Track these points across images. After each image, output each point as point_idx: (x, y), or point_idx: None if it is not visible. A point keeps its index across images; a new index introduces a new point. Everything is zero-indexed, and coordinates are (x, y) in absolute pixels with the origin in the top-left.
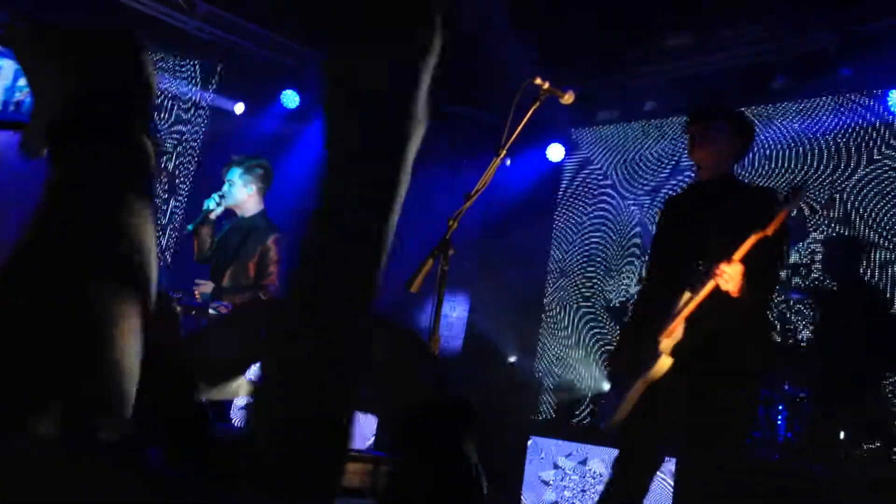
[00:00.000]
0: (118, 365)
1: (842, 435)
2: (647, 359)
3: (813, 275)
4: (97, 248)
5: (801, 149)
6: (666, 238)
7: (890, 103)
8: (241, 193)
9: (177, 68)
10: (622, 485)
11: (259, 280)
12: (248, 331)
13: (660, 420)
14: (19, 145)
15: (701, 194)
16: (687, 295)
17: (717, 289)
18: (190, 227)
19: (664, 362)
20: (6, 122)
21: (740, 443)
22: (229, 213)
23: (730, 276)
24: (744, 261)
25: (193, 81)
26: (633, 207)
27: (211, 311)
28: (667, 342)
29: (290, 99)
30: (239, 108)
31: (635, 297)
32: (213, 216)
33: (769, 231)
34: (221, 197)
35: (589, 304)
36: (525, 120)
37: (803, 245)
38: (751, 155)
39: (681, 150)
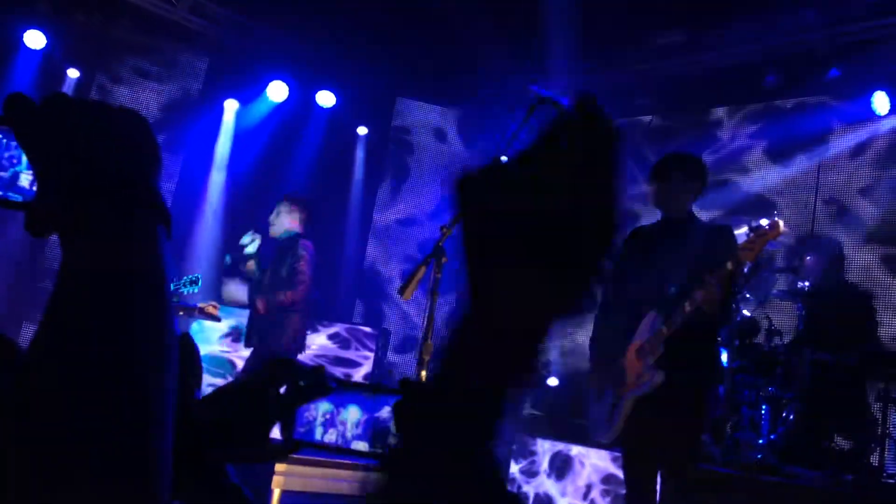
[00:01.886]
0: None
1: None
2: (638, 377)
3: (797, 277)
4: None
5: (789, 147)
6: (630, 265)
7: (873, 105)
8: (285, 221)
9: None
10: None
11: (291, 275)
12: (271, 394)
13: (648, 436)
14: (25, 226)
15: (665, 229)
16: (654, 316)
17: (696, 313)
18: (227, 260)
19: (657, 377)
20: (8, 202)
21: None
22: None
23: (708, 298)
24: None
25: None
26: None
27: (198, 312)
28: (651, 360)
29: (278, 91)
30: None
31: (596, 315)
32: (250, 250)
33: (747, 257)
34: (255, 234)
35: None
36: (522, 125)
37: (788, 249)
38: (747, 153)
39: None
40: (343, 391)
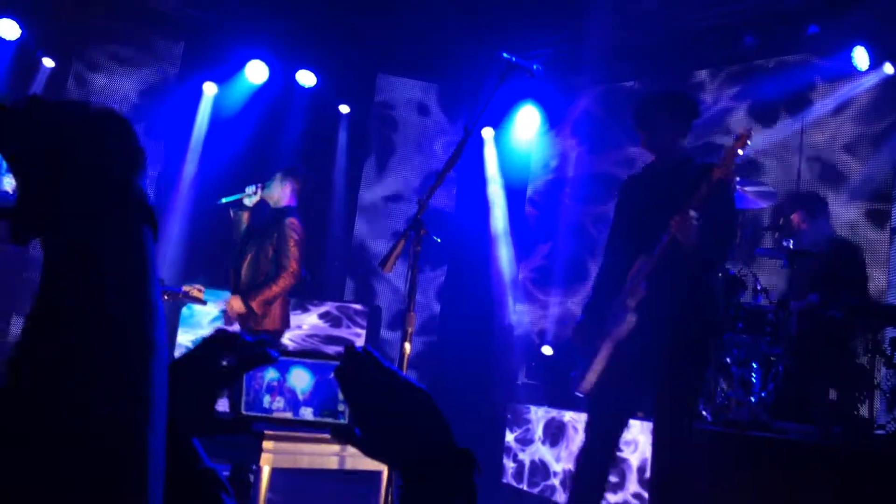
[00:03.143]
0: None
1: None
2: (612, 321)
3: (782, 235)
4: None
5: (772, 107)
6: (623, 216)
7: (853, 60)
8: (276, 190)
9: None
10: (596, 449)
11: (278, 258)
12: (214, 366)
13: (625, 384)
14: (8, 235)
15: (655, 174)
16: (643, 257)
17: (674, 246)
18: (223, 199)
19: (629, 319)
20: None
21: (685, 408)
22: (264, 204)
23: (683, 226)
24: (700, 215)
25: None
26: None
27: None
28: (631, 301)
29: (257, 72)
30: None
31: (596, 279)
32: (247, 202)
33: (720, 173)
34: (259, 188)
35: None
36: (492, 95)
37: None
38: (731, 114)
39: None
40: (290, 358)
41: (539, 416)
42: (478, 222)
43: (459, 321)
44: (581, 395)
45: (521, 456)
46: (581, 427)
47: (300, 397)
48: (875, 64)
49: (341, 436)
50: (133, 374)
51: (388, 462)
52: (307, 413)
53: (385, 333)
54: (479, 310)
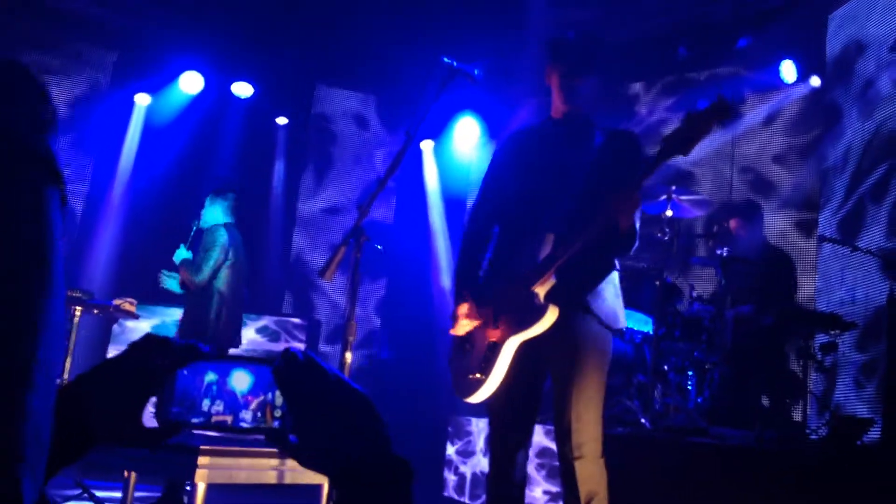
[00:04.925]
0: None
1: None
2: (524, 312)
3: (718, 243)
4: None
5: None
6: (513, 174)
7: (781, 73)
8: (212, 216)
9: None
10: (504, 463)
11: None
12: (143, 367)
13: (526, 388)
14: None
15: (554, 132)
16: (547, 238)
17: (605, 230)
18: (182, 255)
19: (551, 314)
20: None
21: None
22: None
23: (626, 207)
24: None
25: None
26: None
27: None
28: (541, 290)
29: (192, 83)
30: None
31: (462, 242)
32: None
33: (687, 153)
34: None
35: None
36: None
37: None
38: (665, 126)
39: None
40: (231, 362)
41: (480, 427)
42: (418, 234)
43: (400, 334)
44: (475, 402)
45: (462, 468)
46: None
47: (240, 399)
48: (802, 77)
49: (276, 441)
50: (16, 329)
51: (323, 469)
52: (247, 416)
53: (324, 347)
54: (419, 322)
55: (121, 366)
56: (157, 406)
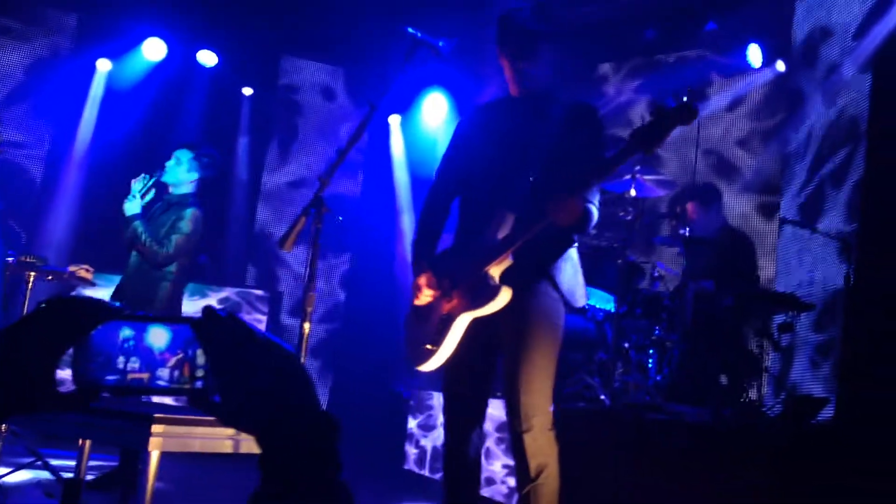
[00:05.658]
0: None
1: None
2: (478, 291)
3: (680, 223)
4: None
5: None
6: (479, 149)
7: (748, 57)
8: (182, 175)
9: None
10: (460, 433)
11: (166, 240)
12: (52, 329)
13: (481, 362)
14: None
15: (516, 108)
16: (504, 218)
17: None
18: (134, 210)
19: (505, 295)
20: None
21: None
22: (163, 190)
23: (563, 212)
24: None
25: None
26: None
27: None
28: (496, 270)
29: (155, 49)
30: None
31: (422, 212)
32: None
33: (651, 152)
34: (155, 176)
35: None
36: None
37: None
38: (632, 107)
39: None
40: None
41: (442, 401)
42: (384, 209)
43: (363, 308)
44: (425, 371)
45: (423, 442)
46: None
47: (157, 357)
48: (768, 61)
49: (199, 402)
50: None
51: (247, 428)
52: (164, 374)
53: (287, 319)
54: (383, 297)
55: (28, 328)
56: (72, 365)
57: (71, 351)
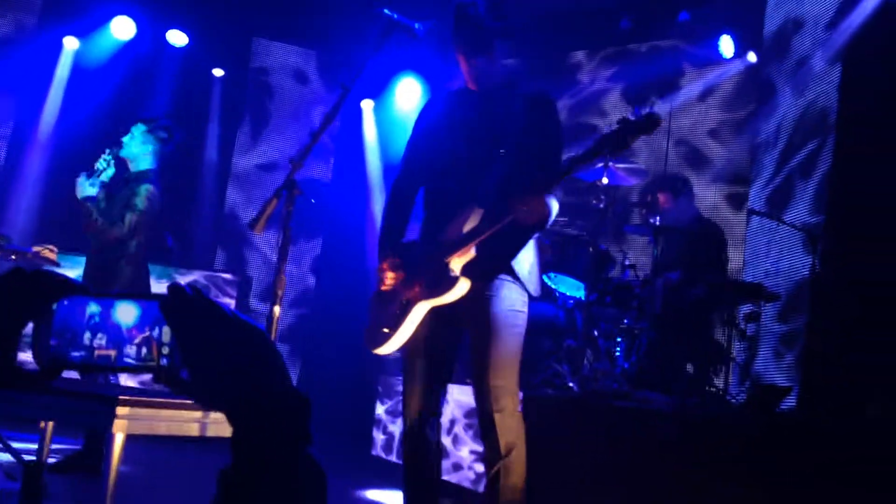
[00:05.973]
0: None
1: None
2: (438, 280)
3: (651, 212)
4: None
5: (644, 90)
6: (441, 140)
7: (720, 48)
8: (136, 147)
9: None
10: (417, 426)
11: (121, 217)
12: (11, 304)
13: (439, 350)
14: None
15: (479, 100)
16: (470, 210)
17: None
18: (87, 192)
19: (462, 286)
20: None
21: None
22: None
23: (531, 214)
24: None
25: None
26: None
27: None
28: (458, 262)
29: (124, 28)
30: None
31: (388, 200)
32: (105, 177)
33: (616, 156)
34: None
35: None
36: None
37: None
38: (605, 96)
39: None
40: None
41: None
42: (355, 194)
43: (334, 293)
44: (380, 354)
45: (390, 428)
46: (451, 398)
47: (125, 333)
48: (740, 52)
49: (166, 380)
50: None
51: (217, 406)
52: (131, 351)
53: (255, 304)
54: (353, 282)
55: None
56: (33, 343)
57: (31, 331)
